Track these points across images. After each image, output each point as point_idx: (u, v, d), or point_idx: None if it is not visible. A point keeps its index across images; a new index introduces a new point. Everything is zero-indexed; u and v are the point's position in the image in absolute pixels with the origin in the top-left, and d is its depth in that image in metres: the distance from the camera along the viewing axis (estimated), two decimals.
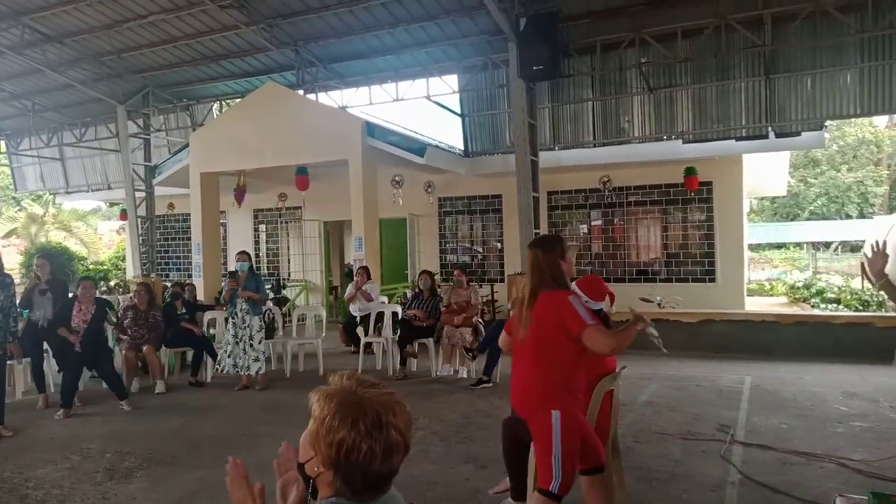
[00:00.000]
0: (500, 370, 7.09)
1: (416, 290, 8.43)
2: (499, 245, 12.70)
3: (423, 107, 13.21)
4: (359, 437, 1.31)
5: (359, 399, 1.37)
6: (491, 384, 6.93)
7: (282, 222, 14.81)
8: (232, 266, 9.47)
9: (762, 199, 28.18)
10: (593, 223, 12.11)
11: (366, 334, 8.36)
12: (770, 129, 9.83)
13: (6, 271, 5.98)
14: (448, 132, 13.46)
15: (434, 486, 4.11)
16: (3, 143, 16.95)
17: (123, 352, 7.49)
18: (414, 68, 11.67)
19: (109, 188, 16.19)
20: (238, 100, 12.84)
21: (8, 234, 24.16)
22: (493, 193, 12.57)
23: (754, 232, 23.50)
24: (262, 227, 15.34)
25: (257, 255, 14.73)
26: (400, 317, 8.08)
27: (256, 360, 7.24)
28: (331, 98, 12.52)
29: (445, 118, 13.19)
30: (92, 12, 10.51)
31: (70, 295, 7.21)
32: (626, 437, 4.92)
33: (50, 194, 19.50)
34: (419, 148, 10.53)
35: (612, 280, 11.08)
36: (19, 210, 25.02)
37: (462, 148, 12.19)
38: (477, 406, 6.19)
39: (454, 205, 13.08)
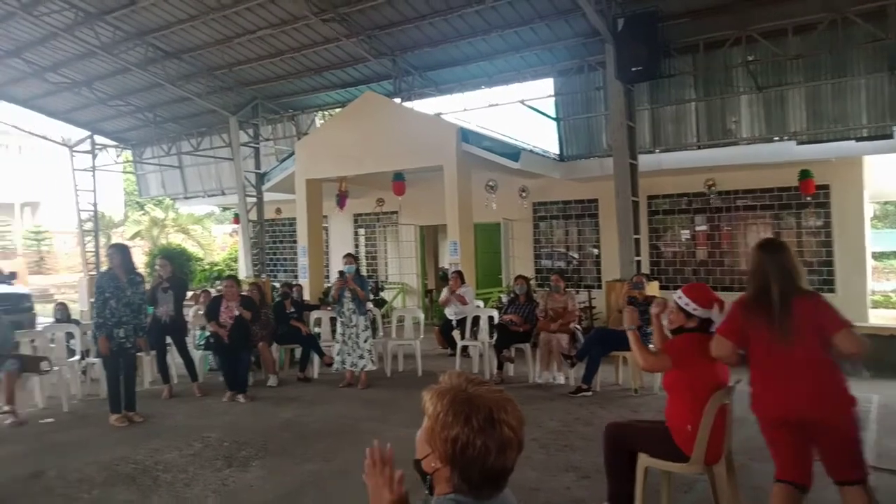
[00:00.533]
0: (599, 379, 7.00)
1: (512, 295, 8.45)
2: (595, 251, 12.48)
3: (517, 112, 13.18)
4: (472, 433, 1.36)
5: (470, 396, 1.42)
6: (590, 393, 6.84)
7: (379, 226, 15.27)
8: (334, 268, 9.95)
9: (886, 203, 25.94)
10: (697, 229, 11.64)
11: (462, 338, 8.49)
12: (895, 128, 9.08)
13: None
14: (542, 136, 13.38)
15: (536, 492, 4.12)
16: (129, 152, 18.51)
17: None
18: (508, 73, 11.72)
19: (223, 194, 17.31)
20: (339, 109, 13.39)
21: (133, 236, 26.39)
22: (589, 198, 12.38)
23: (878, 239, 21.66)
24: (362, 231, 15.87)
25: (356, 259, 15.25)
26: (496, 321, 8.13)
27: (361, 357, 7.54)
28: (426, 105, 12.79)
29: (540, 122, 13.11)
30: (207, 29, 11.32)
31: (189, 294, 7.82)
32: (740, 454, 4.71)
33: (170, 199, 21.10)
34: (513, 153, 10.55)
35: (718, 289, 10.56)
36: (143, 214, 27.23)
37: (557, 152, 12.09)
38: (576, 414, 6.14)
39: (549, 209, 12.99)
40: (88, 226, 17.97)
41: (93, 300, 6.70)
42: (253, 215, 14.70)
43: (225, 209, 27.76)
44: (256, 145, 14.68)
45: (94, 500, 4.27)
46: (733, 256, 11.23)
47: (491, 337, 8.14)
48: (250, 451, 5.24)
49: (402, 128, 10.65)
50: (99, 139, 17.61)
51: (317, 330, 8.93)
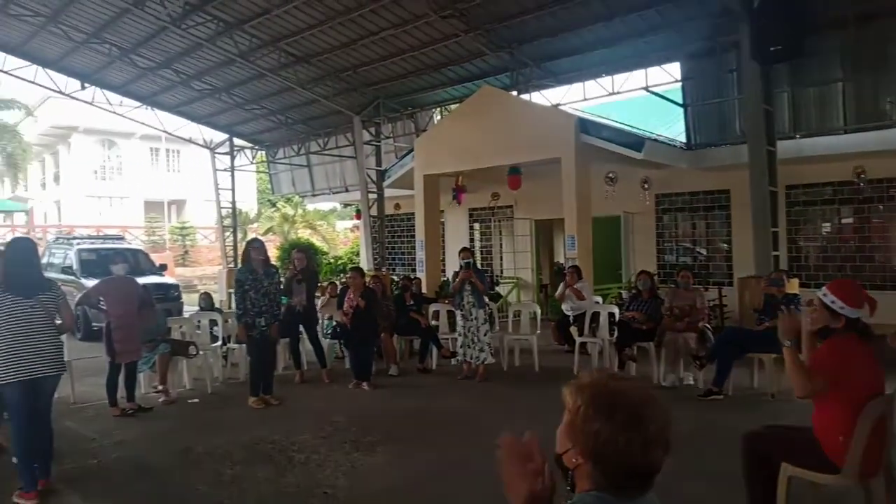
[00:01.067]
0: (732, 382, 6.58)
1: (634, 291, 8.14)
2: (726, 245, 11.72)
3: (641, 99, 12.68)
4: (615, 428, 1.31)
5: (613, 391, 1.37)
6: (722, 396, 6.43)
7: (494, 221, 15.29)
8: (450, 262, 10.11)
9: None
10: (843, 221, 10.59)
11: (580, 334, 8.30)
12: None
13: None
14: (668, 124, 12.76)
15: (667, 498, 3.94)
16: (264, 153, 19.84)
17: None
18: (631, 59, 11.26)
19: (346, 190, 18.11)
20: (456, 105, 13.54)
21: (266, 232, 28.31)
22: (718, 188, 11.62)
23: None
24: (477, 225, 15.98)
25: (472, 253, 15.39)
26: (617, 318, 7.87)
27: (482, 350, 7.59)
28: (544, 97, 12.60)
29: (665, 110, 12.51)
30: (334, 33, 11.84)
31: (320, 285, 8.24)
32: None
33: (299, 197, 22.39)
34: (636, 142, 10.14)
35: (868, 287, 9.58)
36: (275, 211, 29.10)
37: (683, 140, 11.48)
38: (706, 418, 5.80)
39: (673, 202, 12.36)
40: (227, 222, 19.51)
41: (232, 292, 7.24)
42: (374, 211, 15.24)
43: (346, 205, 29.11)
44: (378, 143, 15.18)
45: (236, 475, 4.61)
46: (885, 252, 10.11)
47: (611, 334, 7.89)
48: (376, 436, 5.44)
49: (519, 121, 10.57)
50: (237, 141, 19.05)
51: (434, 322, 9.10)
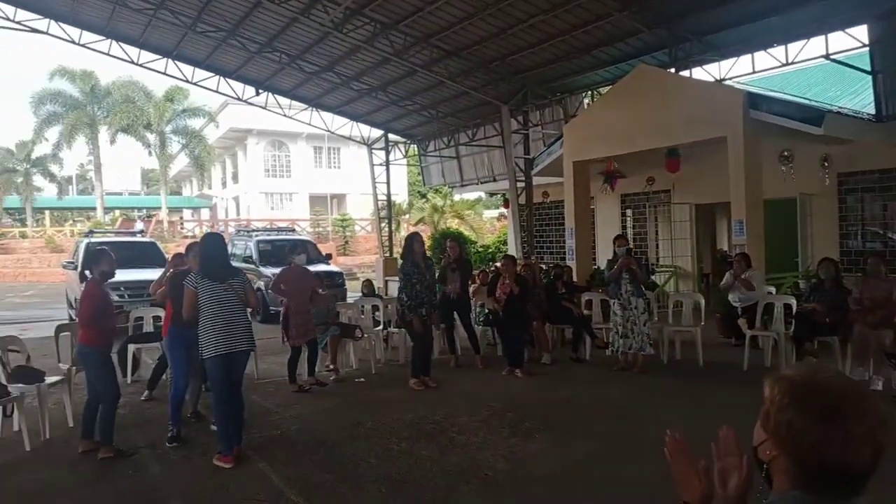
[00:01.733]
0: None
1: (815, 281, 7.39)
2: None
3: (820, 69, 11.38)
4: (809, 419, 1.22)
5: (813, 381, 1.29)
6: None
7: (649, 206, 14.61)
8: (601, 250, 9.82)
9: None
10: None
11: (751, 327, 7.71)
12: None
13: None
14: (852, 95, 11.38)
15: None
16: (415, 147, 20.60)
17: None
18: (808, 25, 10.15)
19: (494, 180, 18.28)
20: (608, 88, 13.08)
21: (417, 222, 29.46)
22: None
23: None
24: (629, 212, 15.38)
25: (627, 240, 14.85)
26: (794, 310, 7.20)
27: (642, 340, 7.33)
28: (706, 72, 11.77)
29: (849, 79, 11.17)
30: (483, 24, 11.94)
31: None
32: None
33: (448, 188, 22.99)
34: (815, 116, 9.14)
35: None
36: (425, 202, 30.16)
37: (872, 112, 10.17)
38: None
39: (859, 181, 11.00)
40: (383, 213, 20.55)
41: (389, 279, 7.61)
42: (522, 199, 15.22)
43: (492, 195, 29.40)
44: (526, 131, 15.11)
45: (402, 451, 4.87)
46: None
47: (787, 327, 7.23)
48: (532, 423, 5.47)
49: (678, 99, 9.98)
50: (391, 137, 19.96)
51: (587, 312, 8.91)
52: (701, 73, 11.67)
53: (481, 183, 19.26)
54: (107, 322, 5.08)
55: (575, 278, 11.18)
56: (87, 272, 5.33)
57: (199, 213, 50.03)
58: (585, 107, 14.66)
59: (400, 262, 7.52)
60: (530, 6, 10.97)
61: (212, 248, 4.97)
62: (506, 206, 17.18)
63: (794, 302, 7.34)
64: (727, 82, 11.42)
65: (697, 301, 8.40)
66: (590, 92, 14.66)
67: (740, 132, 9.13)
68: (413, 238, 7.33)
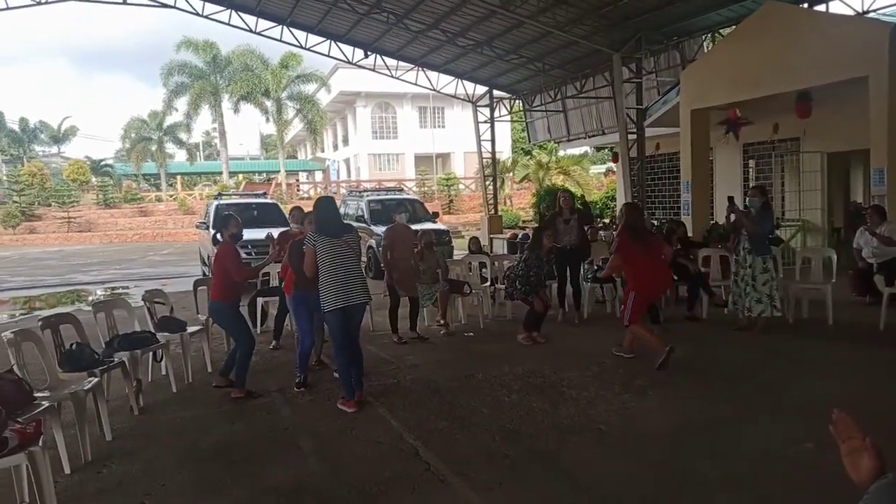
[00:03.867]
0: None
1: None
2: None
3: None
4: None
5: None
6: None
7: (775, 156, 13.57)
8: (719, 204, 9.26)
9: None
10: None
11: (888, 284, 7.06)
12: None
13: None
14: None
15: None
16: (520, 102, 20.24)
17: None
18: None
19: (603, 133, 17.65)
20: (731, 29, 12.12)
21: (522, 179, 29.18)
22: None
23: None
24: (752, 162, 14.37)
25: (764, 192, 13.93)
26: None
27: (759, 301, 6.89)
28: (846, 5, 10.59)
29: None
30: None
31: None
32: None
33: (554, 143, 22.50)
34: None
35: None
36: (530, 158, 29.75)
37: None
38: None
39: None
40: (487, 171, 20.50)
41: (514, 264, 7.52)
42: (633, 153, 14.61)
43: (599, 149, 28.41)
44: (639, 80, 14.37)
45: (514, 403, 4.98)
46: None
47: None
48: (644, 380, 5.38)
49: (812, 37, 9.09)
50: (496, 93, 19.71)
51: (704, 269, 8.51)
52: (839, 7, 10.52)
53: (589, 137, 18.67)
54: (237, 281, 5.53)
55: (690, 234, 10.73)
56: (218, 235, 5.84)
57: (313, 176, 52.37)
58: (705, 51, 13.69)
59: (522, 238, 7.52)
60: None
61: (325, 208, 5.28)
62: (615, 160, 16.57)
63: None
64: (870, 15, 10.22)
65: (828, 256, 7.79)
66: (710, 35, 13.63)
67: (885, 70, 8.22)
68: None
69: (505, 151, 35.29)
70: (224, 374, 5.69)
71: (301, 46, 18.09)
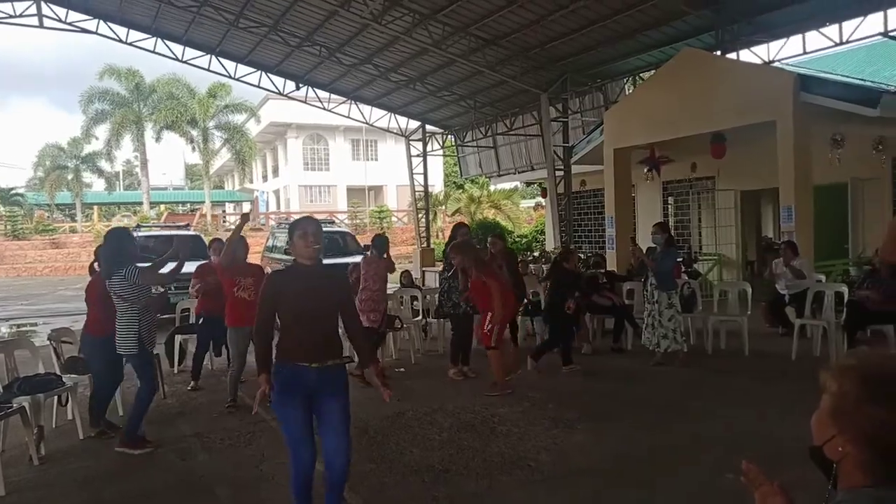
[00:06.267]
0: None
1: (869, 268, 7.11)
2: None
3: (876, 47, 10.85)
4: (894, 410, 1.18)
5: (886, 369, 1.24)
6: None
7: (692, 194, 14.28)
8: (642, 238, 9.62)
9: None
10: None
11: (799, 315, 7.47)
12: None
13: None
14: None
15: None
16: (452, 137, 20.55)
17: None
18: (864, 2, 9.70)
19: (532, 169, 18.11)
20: (650, 73, 12.79)
21: (454, 213, 29.45)
22: None
23: None
24: (671, 199, 15.06)
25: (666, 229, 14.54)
26: (846, 298, 6.93)
27: (665, 336, 7.03)
28: (754, 54, 11.37)
29: None
30: (523, 12, 11.77)
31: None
32: None
33: (486, 178, 22.89)
34: (871, 97, 8.75)
35: None
36: (462, 192, 30.12)
37: None
38: None
39: None
40: (420, 204, 20.58)
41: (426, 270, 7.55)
42: (560, 188, 15.04)
43: (529, 184, 29.15)
44: (565, 119, 14.90)
45: (444, 441, 4.87)
46: None
47: (838, 316, 6.98)
48: (574, 414, 5.41)
49: (725, 83, 9.69)
50: (428, 128, 19.95)
51: (629, 301, 8.76)
52: (749, 56, 11.30)
53: (519, 172, 19.12)
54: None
55: (614, 268, 11.04)
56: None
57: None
58: (627, 93, 14.37)
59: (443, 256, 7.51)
60: None
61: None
62: (544, 195, 17.01)
63: (845, 290, 7.08)
64: (776, 64, 11.02)
65: (743, 289, 8.17)
66: (631, 77, 14.34)
67: (790, 116, 8.82)
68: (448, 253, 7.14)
69: (437, 185, 35.61)
70: (95, 425, 5.28)
71: (230, 76, 17.77)
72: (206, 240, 12.23)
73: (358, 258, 13.18)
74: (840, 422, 1.26)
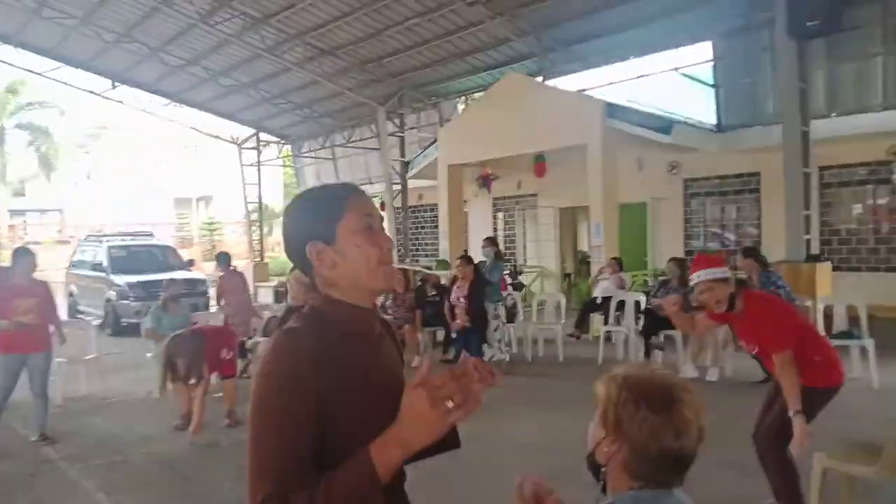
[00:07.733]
0: None
1: (662, 279, 7.97)
2: (755, 230, 11.40)
3: (671, 81, 12.34)
4: (649, 411, 1.31)
5: (645, 377, 1.38)
6: None
7: (518, 209, 15.15)
8: (474, 252, 10.04)
9: None
10: (878, 202, 10.18)
11: (605, 323, 8.18)
12: None
13: None
14: (696, 107, 12.44)
15: (693, 487, 3.83)
16: (289, 147, 19.98)
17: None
18: (661, 40, 10.97)
19: (371, 182, 18.06)
20: (481, 94, 13.41)
21: None
22: (749, 171, 11.28)
23: None
24: (500, 214, 15.86)
25: (495, 243, 15.27)
26: (643, 306, 7.72)
27: (490, 346, 7.37)
28: (571, 82, 12.39)
29: (693, 91, 12.20)
30: (359, 24, 11.79)
31: None
32: None
33: None
34: (664, 126, 9.91)
35: None
36: None
37: (713, 122, 11.18)
38: (737, 409, 5.63)
39: (702, 186, 12.04)
40: (254, 216, 19.69)
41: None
42: (397, 202, 15.22)
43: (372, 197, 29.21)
44: (402, 134, 15.13)
45: None
46: None
47: (637, 323, 7.75)
48: None
49: (544, 107, 10.41)
50: (263, 136, 19.19)
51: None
52: (566, 83, 12.27)
53: (358, 185, 19.01)
54: None
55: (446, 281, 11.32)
56: None
57: (46, 217, 45.37)
58: (460, 112, 14.93)
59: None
60: (406, 8, 11.00)
61: None
62: (381, 208, 17.10)
63: (643, 299, 7.87)
64: (588, 92, 12.07)
65: (558, 300, 8.79)
66: (464, 97, 14.94)
67: (599, 140, 9.69)
68: None
69: (275, 196, 34.39)
70: None
71: (31, 71, 15.77)
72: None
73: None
74: (606, 424, 1.37)
